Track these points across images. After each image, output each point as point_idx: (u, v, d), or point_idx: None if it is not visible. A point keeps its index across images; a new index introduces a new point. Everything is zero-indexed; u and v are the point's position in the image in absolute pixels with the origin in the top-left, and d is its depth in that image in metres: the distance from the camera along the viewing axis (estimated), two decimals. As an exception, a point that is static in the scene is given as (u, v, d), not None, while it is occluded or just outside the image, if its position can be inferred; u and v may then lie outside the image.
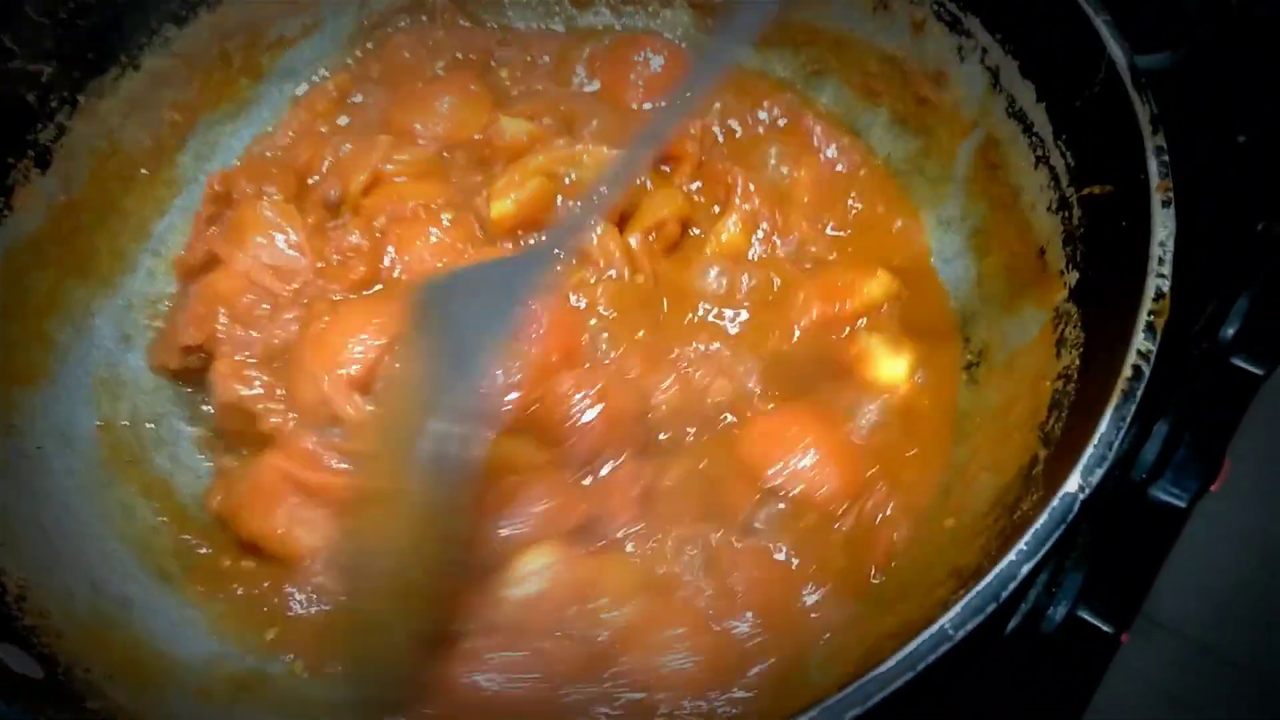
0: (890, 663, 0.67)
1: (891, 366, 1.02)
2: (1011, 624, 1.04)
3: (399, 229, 1.07)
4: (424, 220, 1.07)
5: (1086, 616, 1.02)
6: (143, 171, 1.13)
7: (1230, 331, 1.14)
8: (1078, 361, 0.88)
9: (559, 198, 1.06)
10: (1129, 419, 0.75)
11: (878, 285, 1.05)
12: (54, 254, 1.05)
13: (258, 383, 1.00)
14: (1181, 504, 1.08)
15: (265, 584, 0.95)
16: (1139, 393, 0.75)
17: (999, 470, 0.90)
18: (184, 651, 0.90)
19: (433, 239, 1.06)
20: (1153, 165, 0.85)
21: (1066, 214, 0.96)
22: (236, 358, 1.02)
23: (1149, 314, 0.78)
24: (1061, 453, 0.81)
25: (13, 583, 0.85)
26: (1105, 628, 1.03)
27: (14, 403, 0.98)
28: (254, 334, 1.03)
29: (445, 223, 1.07)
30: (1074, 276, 0.94)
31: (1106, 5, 0.92)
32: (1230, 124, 1.13)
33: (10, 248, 1.00)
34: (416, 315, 0.87)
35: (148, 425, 1.06)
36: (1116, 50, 0.90)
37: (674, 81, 1.18)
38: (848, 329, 1.04)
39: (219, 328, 1.04)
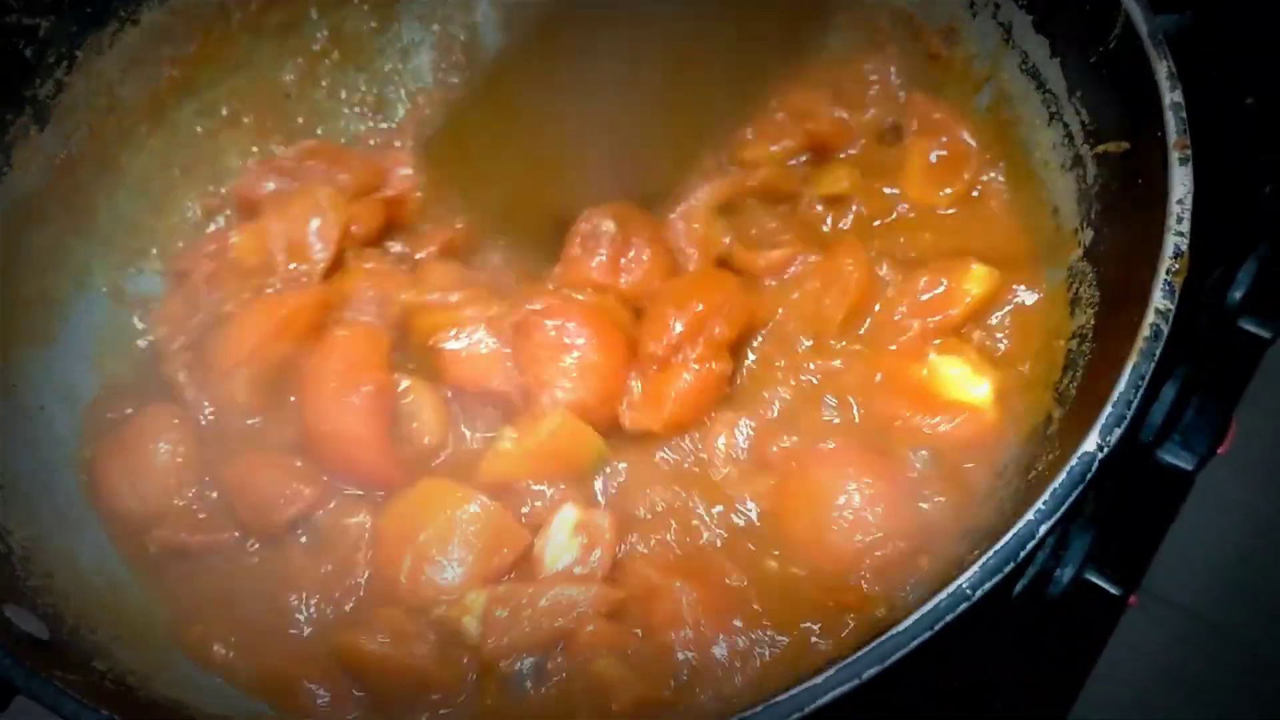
0: (908, 621, 0.67)
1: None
2: (1019, 586, 1.04)
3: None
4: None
5: (1094, 579, 1.03)
6: (141, 129, 1.11)
7: (1238, 294, 1.14)
8: (1093, 321, 0.88)
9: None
10: (1147, 378, 0.74)
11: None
12: (53, 211, 1.04)
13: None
14: (1189, 467, 1.09)
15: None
16: (1157, 352, 0.74)
17: (1013, 430, 0.89)
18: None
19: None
20: (1170, 122, 0.83)
21: (1081, 172, 0.95)
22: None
23: (1167, 273, 0.77)
24: (1077, 412, 0.80)
25: (17, 543, 0.84)
26: (1112, 590, 1.03)
27: (16, 362, 0.97)
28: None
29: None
30: (1089, 235, 0.93)
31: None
32: (1238, 87, 1.12)
33: (9, 205, 0.99)
34: None
35: (150, 385, 1.05)
36: (1133, 5, 0.89)
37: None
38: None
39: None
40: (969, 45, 1.07)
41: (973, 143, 1.06)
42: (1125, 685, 1.32)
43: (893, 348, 0.97)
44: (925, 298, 0.97)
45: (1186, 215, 0.80)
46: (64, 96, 1.04)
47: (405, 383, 0.97)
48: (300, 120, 1.21)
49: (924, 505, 0.88)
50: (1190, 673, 1.48)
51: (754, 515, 0.92)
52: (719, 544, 0.91)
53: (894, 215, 1.06)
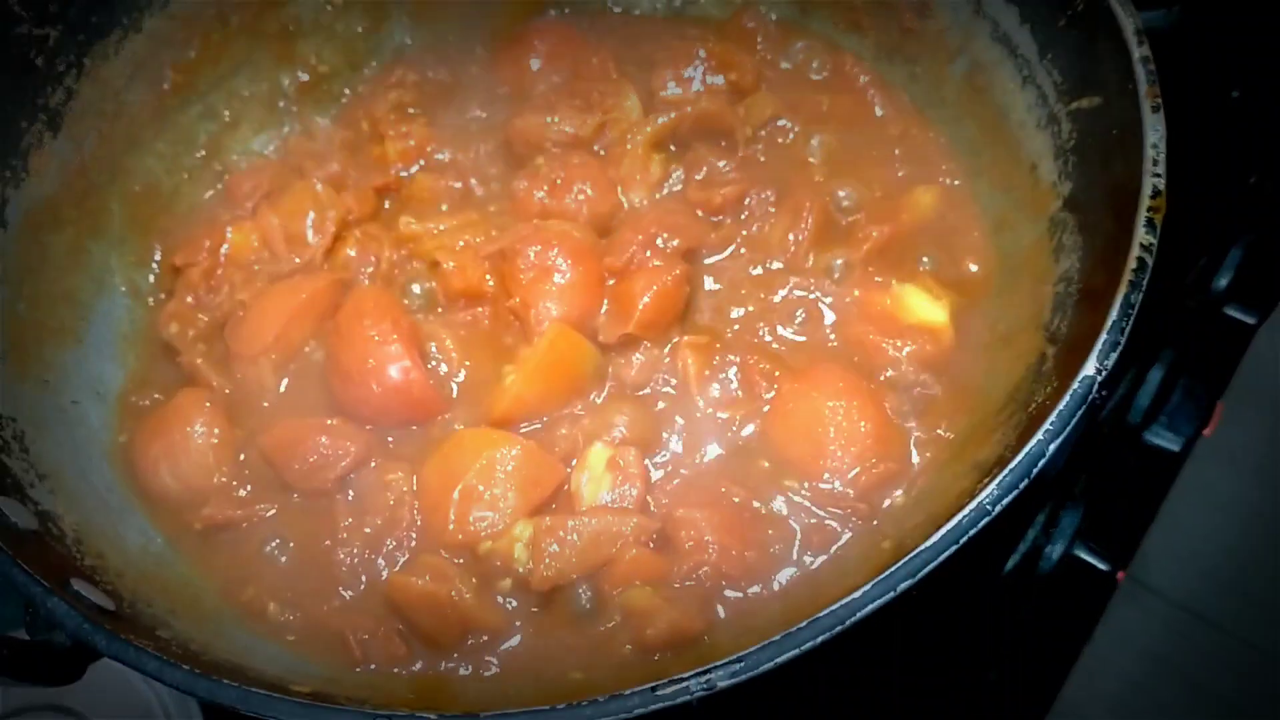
0: (936, 537, 0.72)
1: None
2: (1011, 563, 1.09)
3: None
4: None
5: (1083, 555, 1.08)
6: (148, 132, 1.15)
7: (1223, 282, 1.20)
8: (1078, 264, 0.93)
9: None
10: (1136, 307, 0.79)
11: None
12: (70, 215, 1.07)
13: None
14: (1175, 448, 1.14)
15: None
16: (1143, 283, 0.80)
17: (1006, 373, 0.95)
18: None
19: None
20: (1140, 73, 0.89)
21: (1056, 129, 1.01)
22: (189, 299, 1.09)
23: (1148, 210, 0.83)
24: (1071, 345, 0.86)
25: (68, 527, 0.87)
26: (1101, 566, 1.08)
27: (48, 360, 1.00)
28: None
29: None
30: (1067, 187, 0.98)
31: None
32: (1224, 81, 1.18)
33: (29, 209, 1.02)
34: None
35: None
36: (1099, -32, 0.95)
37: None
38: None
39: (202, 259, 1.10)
40: (941, 18, 1.13)
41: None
42: (1116, 675, 1.36)
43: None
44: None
45: (1161, 158, 0.85)
46: (74, 103, 1.07)
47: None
48: (300, 116, 1.24)
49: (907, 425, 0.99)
50: (1181, 663, 1.51)
51: (748, 435, 1.00)
52: (722, 467, 0.99)
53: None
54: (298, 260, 1.11)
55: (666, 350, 1.04)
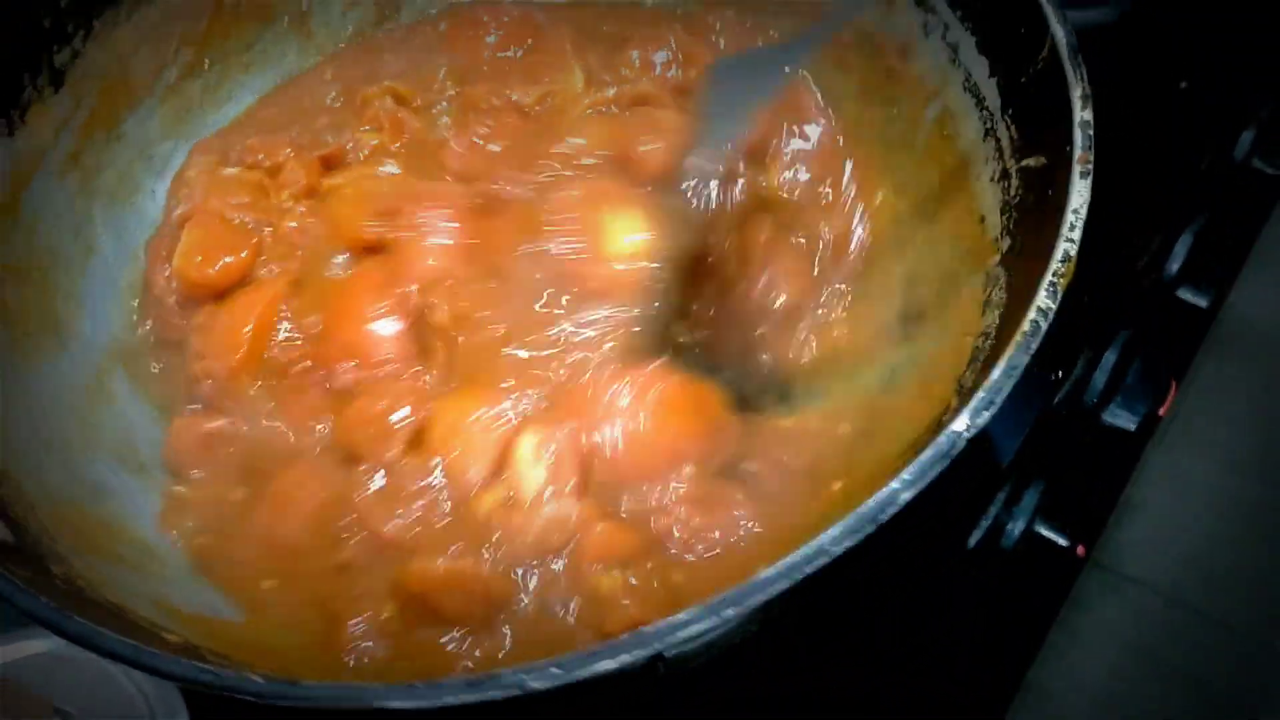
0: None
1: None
2: (974, 539, 1.10)
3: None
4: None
5: (1044, 531, 1.09)
6: (150, 100, 1.21)
7: (1175, 266, 1.21)
8: (997, 321, 0.93)
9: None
10: (1020, 369, 0.80)
11: None
12: (63, 168, 1.13)
13: None
14: (1131, 427, 1.17)
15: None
16: (1032, 347, 0.80)
17: (916, 421, 0.95)
18: (147, 537, 0.99)
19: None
20: (1078, 137, 0.89)
21: (1006, 184, 1.01)
22: None
23: (1054, 275, 0.83)
24: (965, 401, 0.86)
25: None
26: (1062, 541, 1.10)
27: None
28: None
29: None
30: (1006, 242, 0.98)
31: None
32: (1173, 72, 1.19)
33: (21, 156, 1.08)
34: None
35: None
36: (1058, 28, 0.95)
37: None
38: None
39: None
40: (921, 62, 1.14)
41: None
42: (1090, 660, 1.36)
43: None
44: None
45: (1079, 224, 0.86)
46: (79, 63, 1.12)
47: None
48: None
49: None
50: (1160, 648, 1.51)
51: None
52: None
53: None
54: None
55: None
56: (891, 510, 0.75)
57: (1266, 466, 1.55)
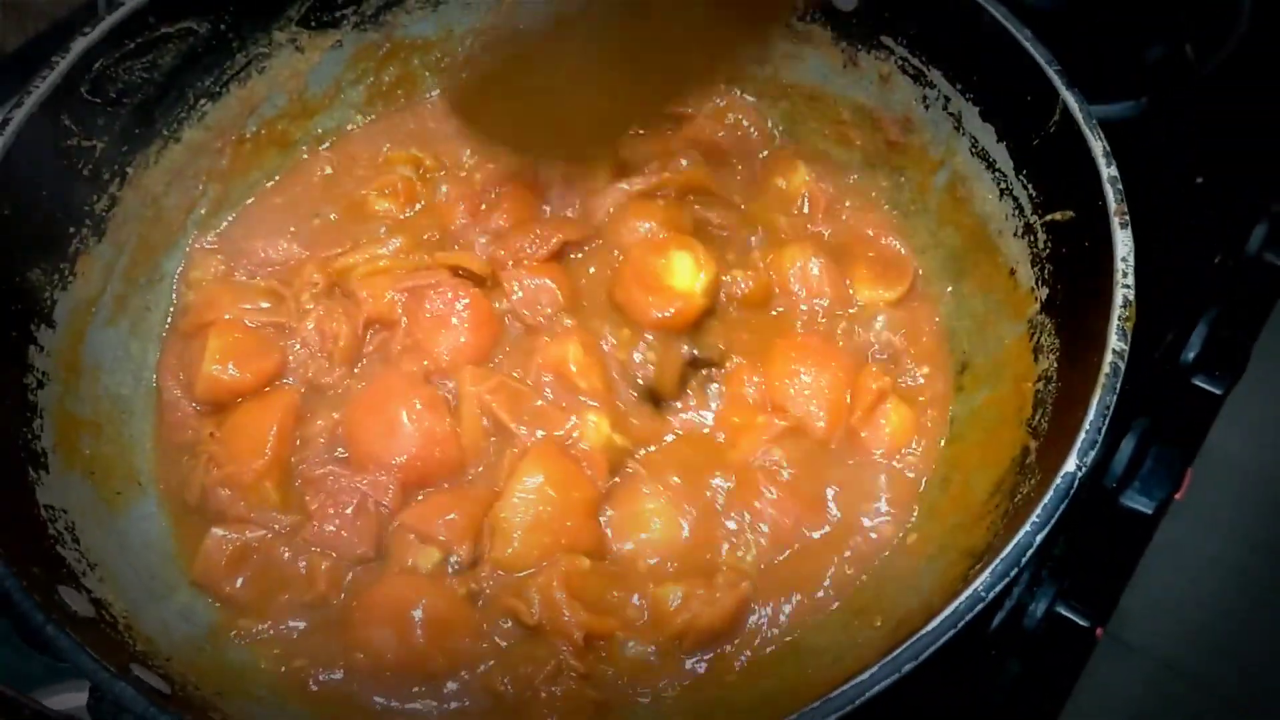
0: (934, 623, 0.79)
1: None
2: (997, 619, 1.16)
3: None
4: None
5: (1064, 612, 1.15)
6: (183, 238, 1.22)
7: (1190, 355, 1.30)
8: (1055, 365, 1.01)
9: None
10: (1111, 407, 0.87)
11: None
12: (112, 314, 1.13)
13: None
14: (1148, 511, 1.22)
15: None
16: (1117, 386, 0.88)
17: (993, 464, 1.02)
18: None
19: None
20: (1109, 192, 0.98)
21: (1032, 238, 1.09)
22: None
23: (1120, 320, 0.91)
24: (1053, 441, 0.93)
25: (118, 613, 0.92)
26: (1082, 622, 1.15)
27: (91, 454, 1.06)
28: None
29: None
30: (1044, 292, 1.07)
31: (1075, 63, 1.05)
32: (1189, 168, 1.28)
33: (75, 309, 1.09)
34: None
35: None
36: (1068, 95, 1.04)
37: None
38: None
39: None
40: (924, 133, 1.22)
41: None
42: None
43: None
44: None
45: (1130, 270, 0.94)
46: (117, 210, 1.14)
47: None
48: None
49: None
50: (1155, 714, 1.58)
51: None
52: None
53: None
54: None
55: None
56: (1030, 553, 0.82)
57: (1273, 542, 1.64)
